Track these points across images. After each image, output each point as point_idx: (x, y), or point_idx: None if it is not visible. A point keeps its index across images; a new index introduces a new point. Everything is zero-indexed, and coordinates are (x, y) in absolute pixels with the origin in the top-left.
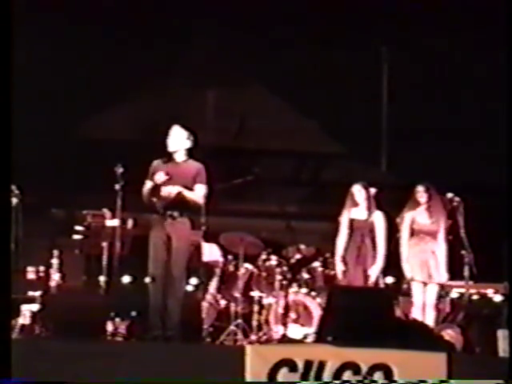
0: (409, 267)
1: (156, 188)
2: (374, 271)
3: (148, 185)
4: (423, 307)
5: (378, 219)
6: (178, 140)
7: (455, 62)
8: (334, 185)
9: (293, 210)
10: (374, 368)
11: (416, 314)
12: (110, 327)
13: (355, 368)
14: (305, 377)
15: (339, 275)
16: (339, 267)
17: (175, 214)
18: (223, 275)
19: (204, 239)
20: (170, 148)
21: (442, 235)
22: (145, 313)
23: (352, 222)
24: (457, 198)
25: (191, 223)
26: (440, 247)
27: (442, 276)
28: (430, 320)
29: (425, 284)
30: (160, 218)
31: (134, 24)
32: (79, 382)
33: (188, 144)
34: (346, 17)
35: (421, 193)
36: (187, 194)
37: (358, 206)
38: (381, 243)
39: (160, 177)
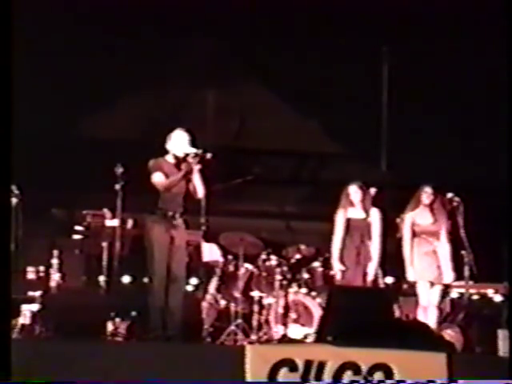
0: (414, 269)
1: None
2: (371, 269)
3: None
4: (427, 307)
5: (375, 218)
6: (185, 144)
7: (455, 62)
8: (334, 185)
9: (293, 210)
10: (373, 368)
11: (419, 314)
12: (110, 327)
13: (355, 368)
14: (305, 377)
15: (337, 275)
16: (337, 267)
17: (176, 214)
18: (223, 275)
19: (204, 239)
20: (178, 153)
21: (444, 236)
22: (145, 313)
23: (349, 221)
24: (457, 198)
25: (190, 223)
26: (443, 248)
27: (448, 277)
28: (432, 320)
29: (432, 285)
30: (161, 219)
31: (134, 24)
32: (79, 381)
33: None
34: (346, 17)
35: (428, 194)
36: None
37: (355, 206)
38: (376, 241)
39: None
